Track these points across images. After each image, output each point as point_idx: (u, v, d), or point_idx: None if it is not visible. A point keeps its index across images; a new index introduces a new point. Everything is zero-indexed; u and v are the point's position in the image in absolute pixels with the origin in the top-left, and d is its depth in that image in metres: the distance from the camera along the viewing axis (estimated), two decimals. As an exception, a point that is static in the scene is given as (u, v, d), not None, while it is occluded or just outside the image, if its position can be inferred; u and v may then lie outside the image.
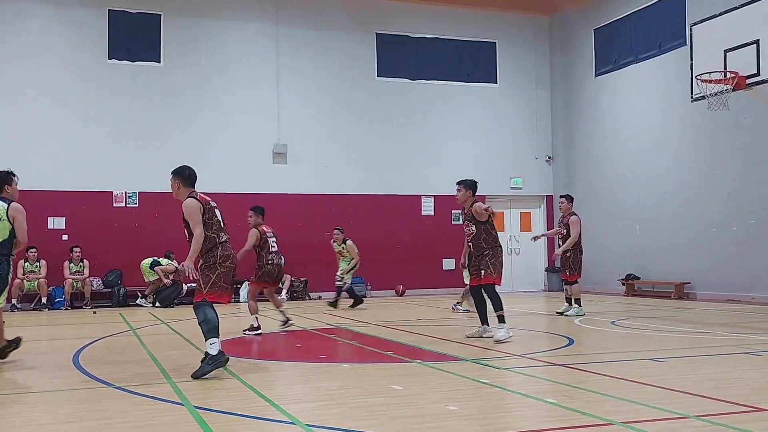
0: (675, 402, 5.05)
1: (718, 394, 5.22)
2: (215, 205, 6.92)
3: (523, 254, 19.77)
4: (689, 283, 15.60)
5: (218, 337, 6.52)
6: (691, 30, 13.55)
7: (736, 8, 12.58)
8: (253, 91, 17.98)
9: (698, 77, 12.08)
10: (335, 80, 18.66)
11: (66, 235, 16.36)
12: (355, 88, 18.79)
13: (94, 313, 14.45)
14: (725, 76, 11.90)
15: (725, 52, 12.58)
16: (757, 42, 11.85)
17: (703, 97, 12.17)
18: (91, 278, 16.08)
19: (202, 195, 6.90)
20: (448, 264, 18.93)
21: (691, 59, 13.02)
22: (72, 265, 15.87)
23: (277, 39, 18.23)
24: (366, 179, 18.66)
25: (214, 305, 6.69)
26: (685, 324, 10.35)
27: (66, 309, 15.39)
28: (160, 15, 17.43)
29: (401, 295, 18.31)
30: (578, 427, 4.40)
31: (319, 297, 17.53)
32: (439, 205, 19.09)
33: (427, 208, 19.12)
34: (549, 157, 20.12)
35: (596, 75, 18.67)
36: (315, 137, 18.40)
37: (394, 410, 4.99)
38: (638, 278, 17.03)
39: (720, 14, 12.93)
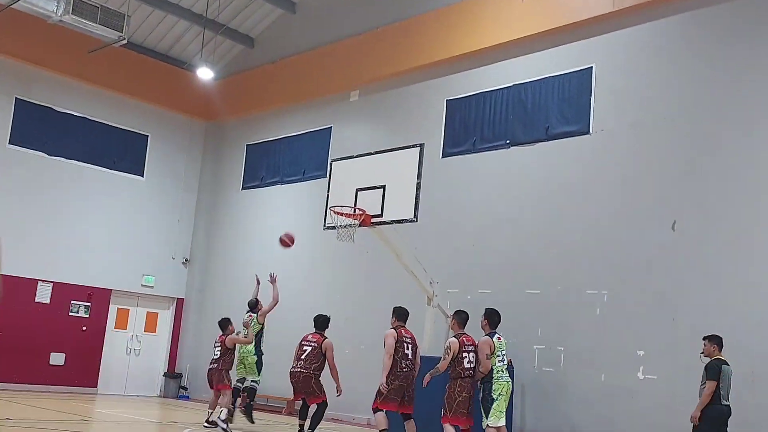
0: None
1: None
2: None
3: (144, 356, 18.92)
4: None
5: None
6: (331, 165, 14.80)
7: (370, 154, 14.10)
8: None
9: (332, 208, 13.11)
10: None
11: None
12: (-20, 151, 16.86)
13: None
14: (355, 211, 13.09)
15: (357, 190, 13.88)
16: (384, 187, 13.32)
17: (334, 227, 13.19)
18: None
19: None
20: (57, 359, 17.31)
21: (329, 191, 14.14)
22: None
23: None
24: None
25: None
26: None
27: None
28: None
29: (-7, 390, 16.14)
30: None
31: None
32: (57, 293, 17.55)
33: (43, 295, 17.44)
34: (186, 260, 19.93)
35: (243, 188, 19.32)
36: None
37: None
38: (253, 391, 17.24)
39: (356, 156, 14.34)
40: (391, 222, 12.52)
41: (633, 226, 11.65)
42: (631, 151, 11.98)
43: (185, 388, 18.84)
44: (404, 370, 9.38)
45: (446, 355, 9.04)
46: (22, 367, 16.76)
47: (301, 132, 18.01)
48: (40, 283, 17.38)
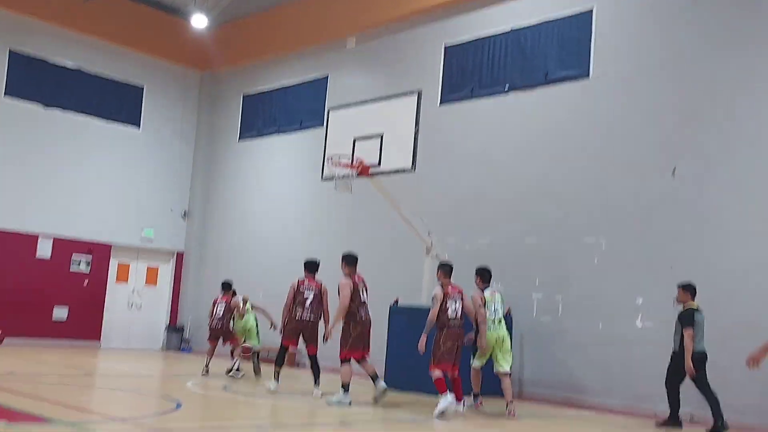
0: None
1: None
2: None
3: (145, 309, 19.02)
4: (302, 349, 16.38)
5: None
6: (328, 114, 14.63)
7: (367, 102, 13.92)
8: None
9: (329, 159, 12.98)
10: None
11: None
12: (-25, 104, 16.71)
13: None
14: (352, 161, 12.97)
15: (355, 139, 13.73)
16: (381, 136, 13.17)
17: (332, 178, 13.08)
18: None
19: None
20: (60, 313, 17.43)
21: (326, 141, 14.00)
22: None
23: None
24: (-29, 209, 16.51)
25: None
26: (295, 393, 10.73)
27: None
28: None
29: (-1, 344, 16.30)
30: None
31: None
32: (58, 248, 17.56)
33: (44, 250, 17.46)
34: (185, 212, 19.87)
35: (240, 139, 19.14)
36: None
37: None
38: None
39: (353, 104, 14.17)
40: (389, 172, 12.42)
41: (632, 172, 11.51)
42: (630, 95, 11.77)
43: (187, 341, 18.99)
44: (363, 318, 9.50)
45: (435, 305, 9.23)
46: (25, 322, 16.88)
47: (298, 81, 17.75)
48: (40, 237, 17.38)
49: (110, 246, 18.40)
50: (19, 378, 10.24)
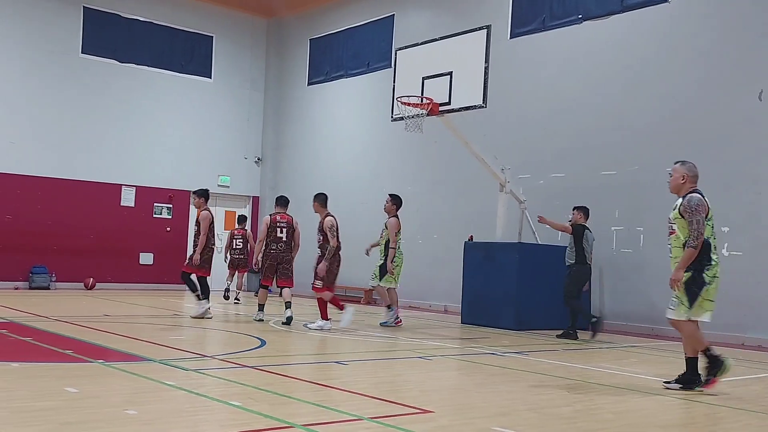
0: (352, 404, 5.30)
1: (391, 396, 5.59)
2: None
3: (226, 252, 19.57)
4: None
5: None
6: (396, 54, 14.50)
7: (435, 40, 13.71)
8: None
9: (399, 99, 12.91)
10: (31, 50, 16.95)
11: None
12: (55, 61, 17.25)
13: None
14: (422, 101, 12.87)
15: (423, 78, 13.62)
16: (450, 74, 13.02)
17: (401, 118, 13.04)
18: None
19: None
20: (146, 258, 18.15)
21: (394, 81, 13.91)
22: None
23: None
24: (59, 162, 17.19)
25: None
26: (371, 328, 10.98)
27: None
28: None
29: (91, 289, 17.13)
30: (259, 430, 4.41)
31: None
32: (141, 197, 18.22)
33: (128, 199, 18.14)
34: (258, 158, 20.24)
35: (309, 83, 19.22)
36: (1, 109, 16.56)
37: (64, 415, 4.59)
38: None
39: (421, 43, 14.00)
40: (460, 109, 12.27)
41: (714, 97, 11.08)
42: (710, 16, 11.25)
43: (268, 282, 19.53)
44: (273, 251, 10.82)
45: (333, 233, 10.13)
46: (115, 268, 17.68)
47: (364, 22, 17.61)
48: (123, 187, 18.03)
49: (189, 192, 18.92)
50: (112, 320, 10.75)
